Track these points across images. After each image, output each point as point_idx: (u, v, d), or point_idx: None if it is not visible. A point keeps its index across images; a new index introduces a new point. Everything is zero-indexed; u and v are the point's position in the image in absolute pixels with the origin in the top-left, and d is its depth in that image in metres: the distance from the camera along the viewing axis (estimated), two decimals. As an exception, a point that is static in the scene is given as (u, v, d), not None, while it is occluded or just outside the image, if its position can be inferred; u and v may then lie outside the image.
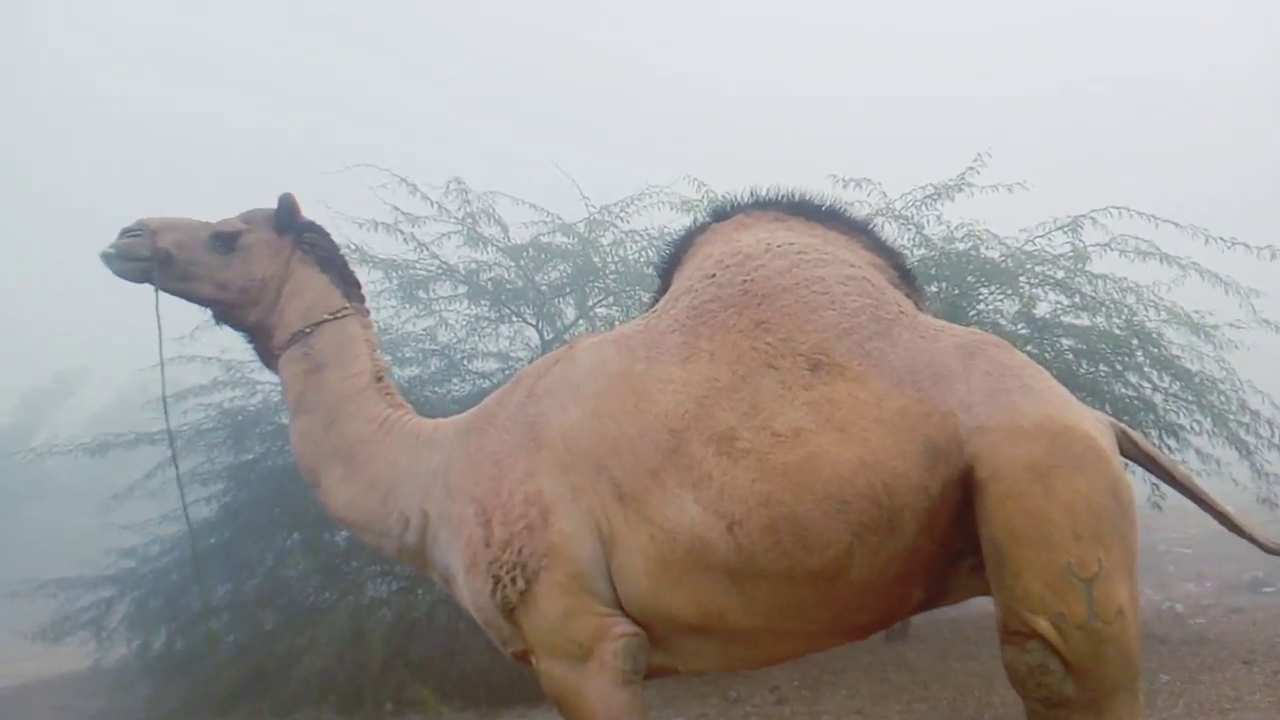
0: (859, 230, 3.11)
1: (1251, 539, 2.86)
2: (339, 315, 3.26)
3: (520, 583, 2.75)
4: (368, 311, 3.40)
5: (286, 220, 3.29)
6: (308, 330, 3.22)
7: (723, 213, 3.19)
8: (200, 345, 8.02)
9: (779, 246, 2.97)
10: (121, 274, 3.18)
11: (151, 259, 3.14)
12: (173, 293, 3.25)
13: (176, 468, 3.95)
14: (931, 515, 2.55)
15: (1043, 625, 2.41)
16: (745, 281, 2.91)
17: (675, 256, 3.21)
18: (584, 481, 2.75)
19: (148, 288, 3.22)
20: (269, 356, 3.34)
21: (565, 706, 2.80)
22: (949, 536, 2.59)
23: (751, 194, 3.18)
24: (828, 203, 3.16)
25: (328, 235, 3.40)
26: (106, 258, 3.16)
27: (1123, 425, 2.83)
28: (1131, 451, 2.83)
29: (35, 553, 14.90)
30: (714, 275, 2.97)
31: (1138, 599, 2.50)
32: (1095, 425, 2.64)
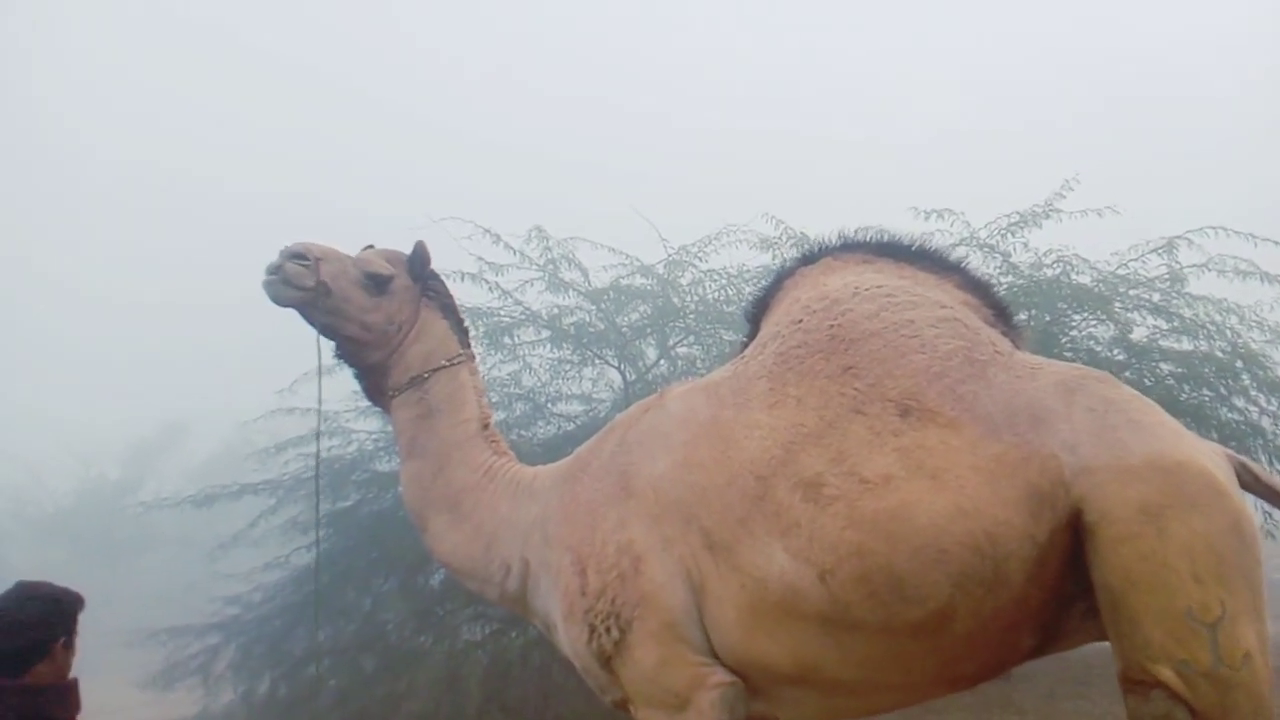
0: (951, 269, 3.05)
1: None
2: (454, 362, 3.35)
3: (615, 632, 2.75)
4: (475, 357, 3.49)
5: (420, 267, 3.40)
6: (425, 375, 3.31)
7: (810, 256, 3.19)
8: (298, 398, 8.32)
9: (866, 290, 2.93)
10: (280, 300, 3.18)
11: (315, 290, 3.17)
12: (316, 325, 3.24)
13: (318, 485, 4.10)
14: (1040, 563, 2.45)
15: (1166, 674, 2.30)
16: (832, 326, 2.88)
17: (763, 301, 3.21)
18: (674, 531, 2.75)
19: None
20: (378, 394, 3.40)
21: None
22: (1060, 583, 2.50)
23: (839, 236, 3.17)
24: (917, 242, 3.13)
25: (446, 284, 3.51)
26: (269, 282, 3.15)
27: (1241, 458, 2.70)
28: (1252, 484, 2.68)
29: (146, 602, 15.49)
30: (801, 320, 2.95)
31: (1267, 640, 2.38)
32: (1211, 459, 2.52)
